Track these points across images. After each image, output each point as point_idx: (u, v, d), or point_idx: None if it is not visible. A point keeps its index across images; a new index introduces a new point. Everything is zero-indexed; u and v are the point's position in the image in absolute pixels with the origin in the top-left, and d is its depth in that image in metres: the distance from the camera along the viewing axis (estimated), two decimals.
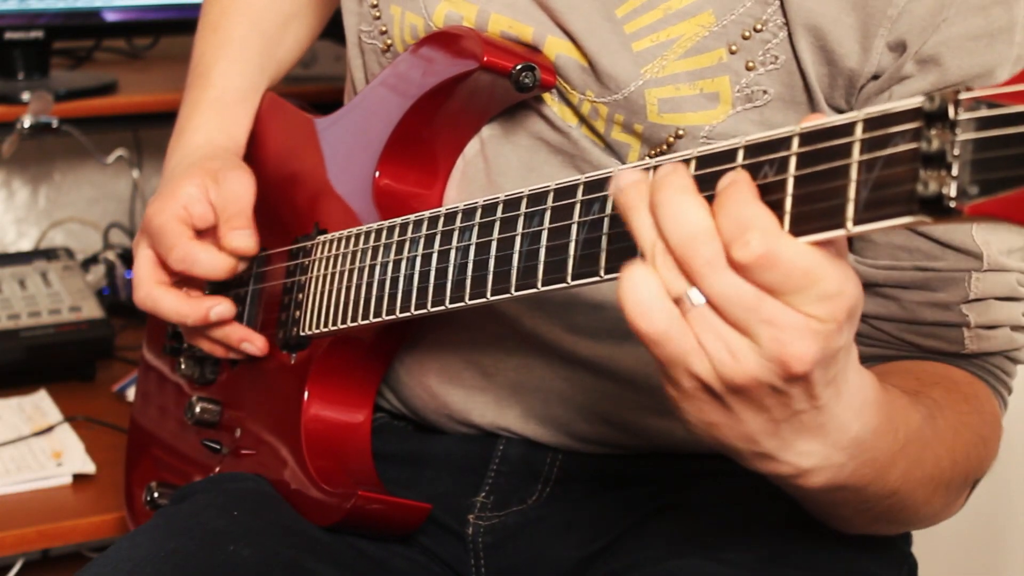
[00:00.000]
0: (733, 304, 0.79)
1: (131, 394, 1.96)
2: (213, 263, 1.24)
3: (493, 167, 1.17)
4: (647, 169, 0.84)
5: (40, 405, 1.91)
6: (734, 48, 1.06)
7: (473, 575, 1.23)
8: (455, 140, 1.19)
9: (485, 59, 1.10)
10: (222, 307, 1.25)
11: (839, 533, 1.16)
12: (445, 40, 1.15)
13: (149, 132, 2.39)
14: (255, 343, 1.27)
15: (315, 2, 1.46)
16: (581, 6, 1.10)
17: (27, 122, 1.98)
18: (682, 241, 0.79)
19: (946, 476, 1.01)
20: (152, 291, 1.26)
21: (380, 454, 1.24)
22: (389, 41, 1.21)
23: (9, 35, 2.08)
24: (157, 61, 2.39)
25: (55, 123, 2.00)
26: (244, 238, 1.24)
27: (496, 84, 1.11)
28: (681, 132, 1.08)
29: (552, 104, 1.13)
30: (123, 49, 2.41)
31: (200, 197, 1.26)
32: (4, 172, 2.34)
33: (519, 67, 1.10)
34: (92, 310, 2.01)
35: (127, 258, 2.28)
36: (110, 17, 2.15)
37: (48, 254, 2.10)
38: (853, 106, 1.06)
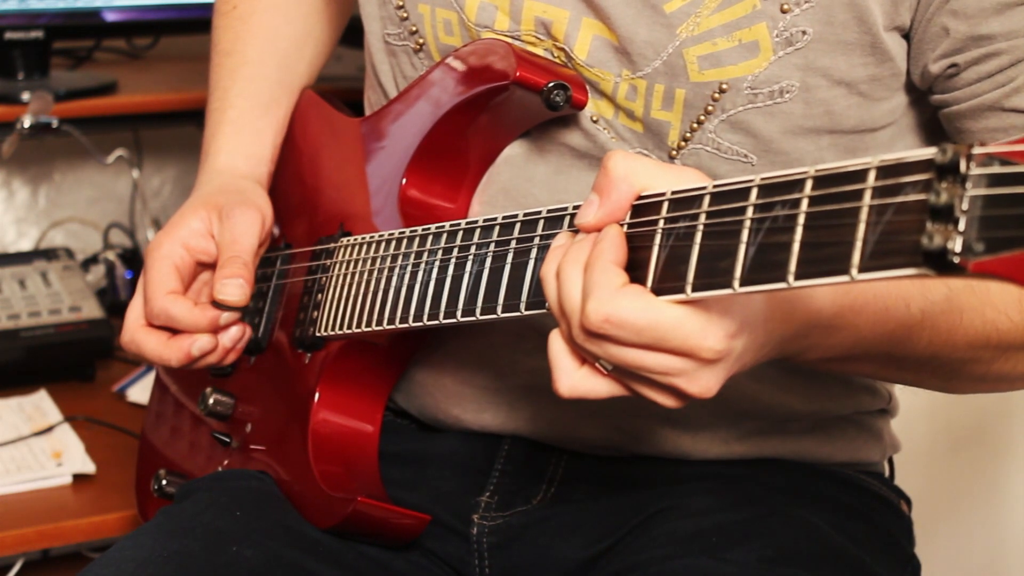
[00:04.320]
0: (628, 366, 0.88)
1: (131, 394, 1.96)
2: (190, 319, 1.23)
3: (520, 174, 1.17)
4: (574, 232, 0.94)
5: (40, 405, 1.91)
6: None
7: (477, 575, 1.23)
8: (484, 153, 1.18)
9: (517, 74, 1.09)
10: (201, 342, 1.24)
11: (843, 534, 1.16)
12: (479, 53, 1.14)
13: (149, 132, 2.39)
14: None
15: (327, 22, 1.46)
16: None
17: (27, 122, 1.98)
18: (567, 311, 0.89)
19: (1010, 336, 1.03)
20: (135, 335, 1.26)
21: (384, 453, 1.24)
22: (421, 40, 1.20)
23: (9, 35, 2.08)
24: (157, 61, 2.39)
25: (55, 123, 2.00)
26: (235, 290, 1.22)
27: (527, 100, 1.11)
28: (725, 86, 1.08)
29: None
30: (123, 49, 2.41)
31: (203, 232, 1.26)
32: (4, 172, 2.34)
33: (551, 84, 1.09)
34: (92, 310, 2.01)
35: (127, 258, 2.28)
36: (110, 17, 2.15)
37: (48, 254, 2.10)
38: (916, 18, 1.06)
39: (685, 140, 1.11)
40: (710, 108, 1.09)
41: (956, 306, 1.01)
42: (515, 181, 1.17)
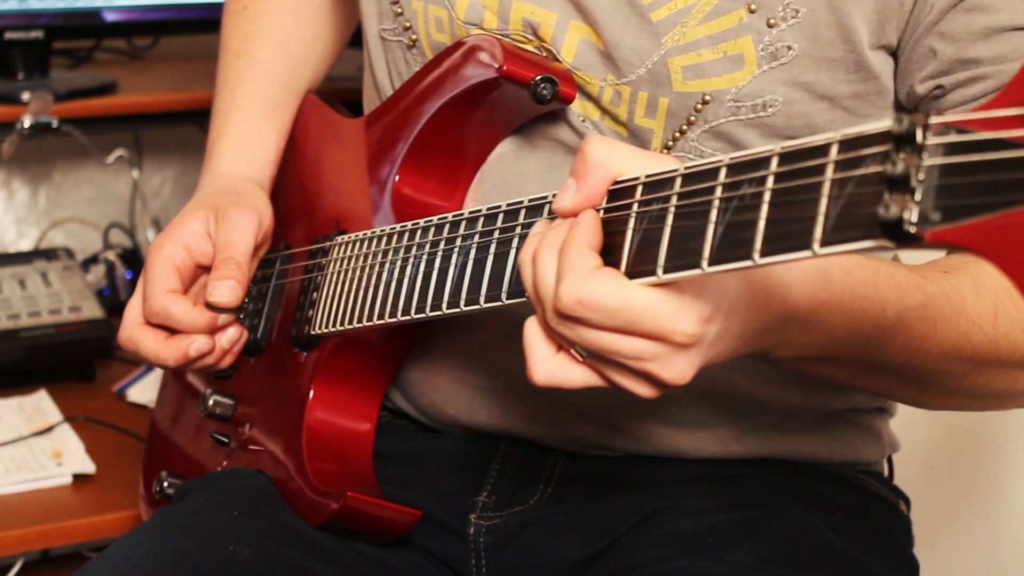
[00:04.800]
0: (602, 351, 0.87)
1: (131, 394, 1.96)
2: (189, 319, 1.23)
3: (512, 171, 1.17)
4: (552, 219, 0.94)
5: (40, 405, 1.91)
6: (753, 7, 1.06)
7: (474, 575, 1.23)
8: (476, 150, 1.19)
9: (505, 68, 1.10)
10: (199, 343, 1.24)
11: (841, 534, 1.16)
12: (467, 49, 1.15)
13: (149, 132, 2.39)
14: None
15: (336, 26, 1.46)
16: None
17: (27, 122, 1.98)
18: (541, 293, 0.89)
19: (984, 350, 1.02)
20: (133, 333, 1.26)
21: (382, 453, 1.24)
22: (415, 36, 1.21)
23: (9, 35, 2.08)
24: (157, 61, 2.39)
25: (55, 123, 2.00)
26: (225, 291, 1.23)
27: (515, 95, 1.11)
28: (708, 98, 1.08)
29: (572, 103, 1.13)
30: (123, 49, 2.41)
31: (202, 233, 1.27)
32: (4, 172, 2.34)
33: (538, 78, 1.09)
34: (92, 310, 2.01)
35: (127, 258, 2.28)
36: (110, 17, 2.15)
37: (48, 254, 2.10)
38: (904, 39, 1.06)
39: (667, 148, 1.11)
40: (692, 119, 1.09)
41: (931, 314, 1.00)
42: (508, 177, 1.17)
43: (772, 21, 1.06)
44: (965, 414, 2.02)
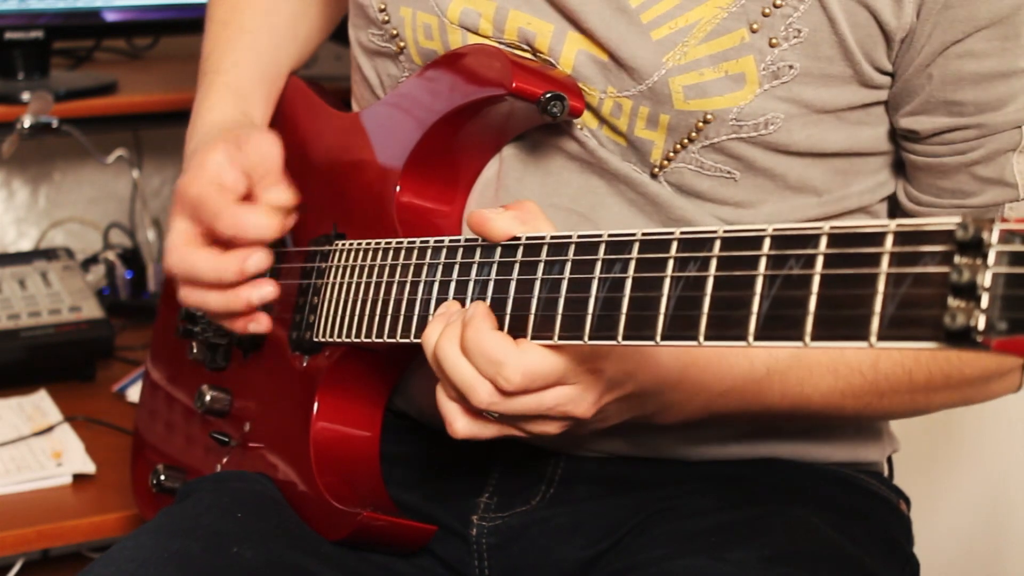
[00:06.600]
0: (526, 412, 0.99)
1: (131, 394, 1.96)
2: (263, 223, 1.16)
3: (511, 176, 1.16)
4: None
5: (40, 405, 1.91)
6: (755, 27, 1.06)
7: None
8: (477, 157, 1.18)
9: (514, 85, 1.09)
10: (258, 256, 1.17)
11: (842, 534, 1.16)
12: (474, 60, 1.13)
13: (149, 132, 2.39)
14: (261, 322, 1.22)
15: (323, 4, 1.45)
16: (592, 0, 1.09)
17: (27, 122, 1.98)
18: (463, 389, 0.99)
19: (864, 391, 1.11)
20: (183, 253, 1.19)
21: (384, 454, 1.24)
22: (402, 44, 1.20)
23: (9, 35, 2.07)
24: (157, 61, 2.39)
25: (55, 123, 2.00)
26: (282, 193, 1.18)
27: (523, 108, 1.10)
28: (709, 117, 1.08)
29: None
30: (123, 49, 2.41)
31: (228, 164, 1.19)
32: (4, 172, 2.34)
33: (547, 95, 1.08)
34: (92, 310, 2.01)
35: (127, 258, 2.28)
36: (110, 17, 2.15)
37: (48, 254, 2.10)
38: (894, 60, 1.07)
39: (668, 159, 1.11)
40: (693, 135, 1.09)
41: (804, 363, 1.09)
42: (506, 181, 1.17)
43: (774, 41, 1.05)
44: (965, 413, 2.02)
